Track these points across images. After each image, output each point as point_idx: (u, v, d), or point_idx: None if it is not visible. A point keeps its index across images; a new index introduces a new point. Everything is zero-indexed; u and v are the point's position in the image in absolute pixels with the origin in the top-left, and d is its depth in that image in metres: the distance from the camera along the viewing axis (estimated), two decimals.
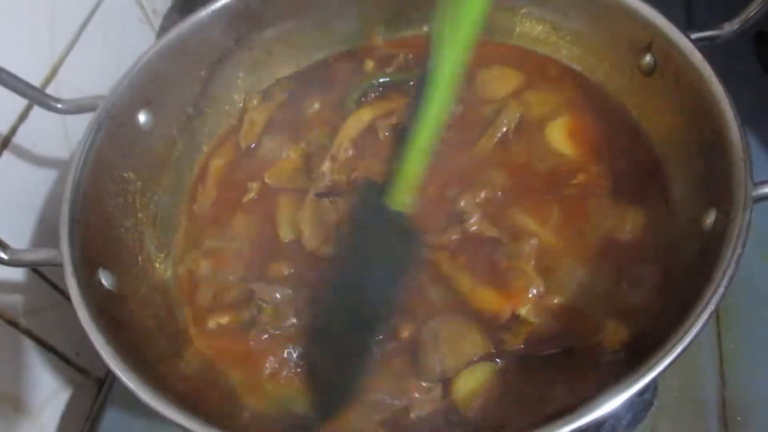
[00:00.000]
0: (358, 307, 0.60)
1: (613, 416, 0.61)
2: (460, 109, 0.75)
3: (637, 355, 0.48)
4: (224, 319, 0.65)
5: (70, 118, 0.73)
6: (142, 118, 0.70)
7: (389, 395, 0.58)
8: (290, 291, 0.64)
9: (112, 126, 0.67)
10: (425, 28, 0.83)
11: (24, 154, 0.71)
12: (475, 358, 0.58)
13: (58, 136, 0.77)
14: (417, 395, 0.58)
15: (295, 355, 0.62)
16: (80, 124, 0.67)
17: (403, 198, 0.57)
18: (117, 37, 0.88)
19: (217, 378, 0.63)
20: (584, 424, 0.43)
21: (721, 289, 0.47)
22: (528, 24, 0.79)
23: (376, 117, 0.75)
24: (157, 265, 0.70)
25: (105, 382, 0.76)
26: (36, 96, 0.66)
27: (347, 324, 0.61)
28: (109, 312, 0.58)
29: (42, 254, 0.60)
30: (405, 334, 0.60)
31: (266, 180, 0.74)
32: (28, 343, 0.71)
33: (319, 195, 0.71)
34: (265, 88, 0.82)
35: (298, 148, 0.75)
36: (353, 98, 0.78)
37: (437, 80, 0.49)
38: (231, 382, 0.62)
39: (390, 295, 0.60)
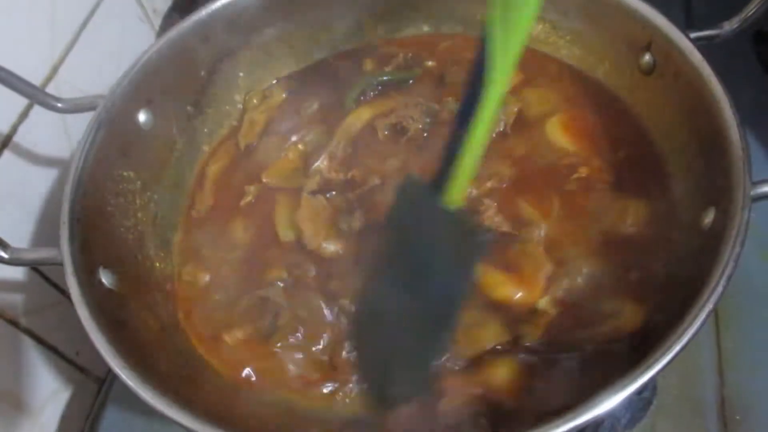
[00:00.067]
0: (415, 310, 0.58)
1: (612, 415, 0.61)
2: (458, 105, 0.75)
3: (651, 339, 0.49)
4: (241, 333, 0.64)
5: (70, 117, 0.73)
6: (142, 117, 0.71)
7: None
8: (309, 295, 0.64)
9: (113, 125, 0.67)
10: (425, 28, 0.83)
11: (24, 154, 0.72)
12: (488, 347, 0.59)
13: (59, 135, 0.77)
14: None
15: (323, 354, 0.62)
16: (80, 124, 0.67)
17: (459, 195, 0.56)
18: (117, 37, 0.88)
19: (218, 378, 0.63)
20: (583, 423, 0.43)
21: (720, 288, 0.47)
22: None
23: (375, 116, 0.75)
24: (158, 264, 0.70)
25: (105, 381, 0.76)
26: (36, 95, 0.66)
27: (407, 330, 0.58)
28: (110, 311, 0.58)
29: (42, 253, 0.60)
30: None
31: (264, 179, 0.74)
32: (28, 343, 0.71)
33: (313, 193, 0.71)
34: (265, 87, 0.82)
35: (297, 148, 0.75)
36: (352, 97, 0.78)
37: (493, 80, 0.49)
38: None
39: (455, 297, 0.57)
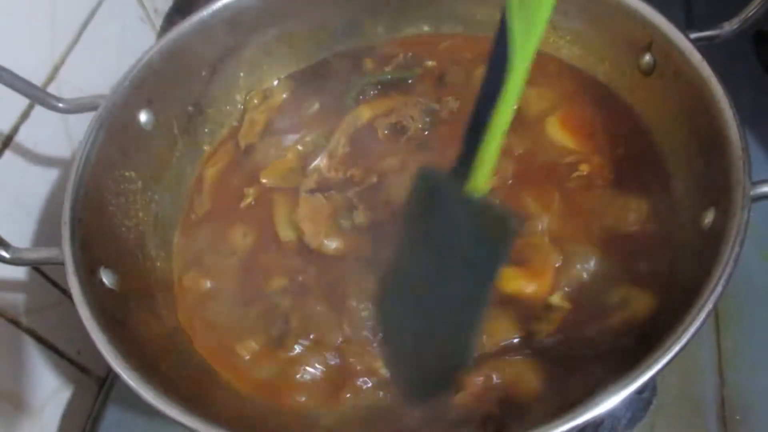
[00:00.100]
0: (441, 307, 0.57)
1: (612, 415, 0.61)
2: (457, 105, 0.75)
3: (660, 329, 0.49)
4: (254, 343, 0.63)
5: (71, 117, 0.73)
6: (143, 117, 0.71)
7: None
8: (316, 300, 0.64)
9: (113, 125, 0.67)
10: (426, 28, 0.83)
11: (25, 154, 0.72)
12: (502, 343, 0.59)
13: (60, 135, 0.77)
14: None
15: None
16: (81, 124, 0.68)
17: (483, 183, 0.55)
18: (118, 37, 0.88)
19: (219, 377, 0.63)
20: (583, 423, 0.43)
21: (719, 288, 0.47)
22: None
23: (375, 115, 0.75)
24: (158, 264, 0.70)
25: (106, 380, 0.76)
26: (37, 95, 0.66)
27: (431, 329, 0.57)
28: (111, 311, 0.58)
29: (44, 253, 0.60)
30: None
31: (262, 180, 0.74)
32: (29, 342, 0.71)
33: (312, 191, 0.71)
34: (265, 87, 0.82)
35: (296, 148, 0.75)
36: (352, 96, 0.78)
37: (514, 66, 0.48)
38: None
39: (484, 288, 0.56)
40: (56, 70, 0.76)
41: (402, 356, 0.57)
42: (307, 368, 0.61)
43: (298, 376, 0.61)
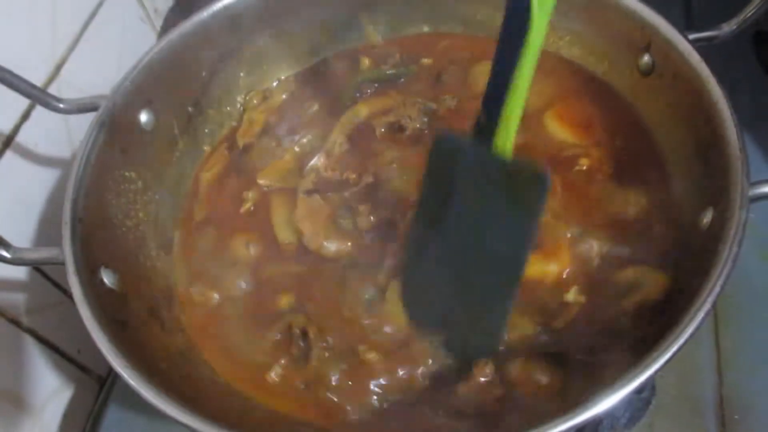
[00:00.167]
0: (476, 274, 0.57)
1: (611, 414, 0.61)
2: (455, 102, 0.75)
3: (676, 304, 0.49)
4: (281, 368, 0.62)
5: (72, 117, 0.73)
6: (143, 117, 0.71)
7: None
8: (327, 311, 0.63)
9: (114, 126, 0.67)
10: (425, 28, 0.83)
11: (26, 154, 0.72)
12: (517, 337, 0.59)
13: (60, 135, 0.77)
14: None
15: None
16: (82, 124, 0.68)
17: (508, 143, 0.53)
18: (118, 37, 0.88)
19: (219, 377, 0.63)
20: (581, 422, 0.44)
21: (718, 288, 0.48)
22: None
23: (372, 113, 0.76)
24: (159, 264, 0.70)
25: (107, 380, 0.76)
26: (38, 96, 0.66)
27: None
28: (111, 310, 0.58)
29: (44, 253, 0.60)
30: None
31: (259, 181, 0.73)
32: (29, 342, 0.71)
33: (309, 192, 0.71)
34: (265, 88, 0.82)
35: (293, 149, 0.75)
36: (348, 95, 0.78)
37: (533, 25, 0.47)
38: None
39: (520, 248, 0.55)
40: (57, 70, 0.76)
41: (446, 315, 0.58)
42: (332, 375, 0.60)
43: (329, 379, 0.60)
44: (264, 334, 0.64)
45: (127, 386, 0.52)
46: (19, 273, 0.70)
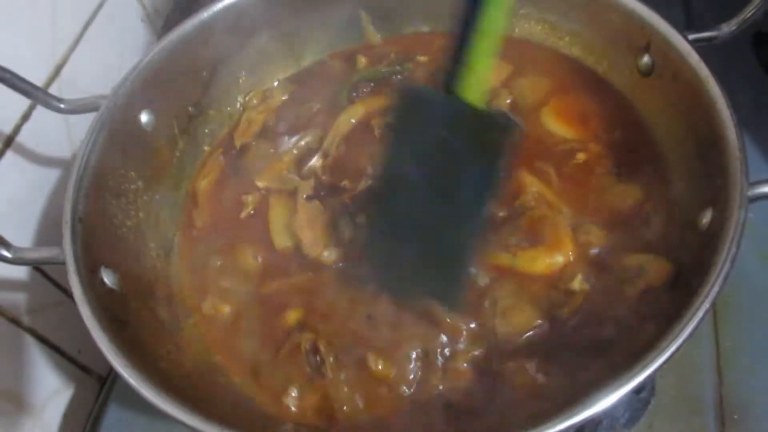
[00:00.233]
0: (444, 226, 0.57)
1: (611, 414, 0.61)
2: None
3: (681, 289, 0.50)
4: (298, 386, 0.61)
5: (72, 117, 0.73)
6: (143, 118, 0.71)
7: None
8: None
9: (114, 126, 0.67)
10: (424, 29, 0.83)
11: (27, 154, 0.72)
12: (529, 331, 0.59)
13: (61, 135, 0.77)
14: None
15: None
16: (82, 124, 0.68)
17: (478, 90, 0.52)
18: (119, 38, 0.88)
19: (219, 377, 0.63)
20: (580, 421, 0.44)
21: (716, 287, 0.48)
22: (527, 25, 0.79)
23: (369, 113, 0.76)
24: (159, 264, 0.70)
25: (107, 379, 0.76)
26: (39, 96, 0.66)
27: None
28: (111, 310, 0.58)
29: (45, 252, 0.60)
30: None
31: (258, 183, 0.73)
32: (30, 341, 0.71)
33: (309, 198, 0.70)
34: (265, 88, 0.82)
35: (291, 152, 0.75)
36: (344, 95, 0.78)
37: None
38: None
39: (485, 192, 0.56)
40: (57, 70, 0.76)
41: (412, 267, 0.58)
42: (345, 384, 0.60)
43: (341, 387, 0.60)
44: (278, 356, 0.63)
45: (127, 386, 0.52)
46: (20, 273, 0.70)
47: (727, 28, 0.64)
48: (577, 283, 0.60)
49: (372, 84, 0.79)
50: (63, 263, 0.58)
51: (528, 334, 0.59)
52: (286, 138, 0.76)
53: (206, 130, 0.79)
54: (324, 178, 0.72)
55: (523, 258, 0.62)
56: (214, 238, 0.72)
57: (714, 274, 0.49)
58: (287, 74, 0.83)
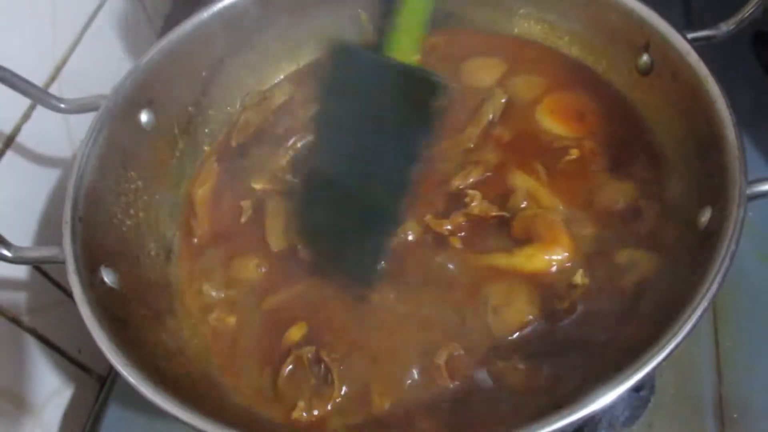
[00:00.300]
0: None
1: (610, 413, 0.61)
2: (446, 100, 0.75)
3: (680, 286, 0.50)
4: (307, 399, 0.59)
5: (72, 117, 0.73)
6: (143, 117, 0.71)
7: None
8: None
9: (114, 125, 0.67)
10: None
11: (27, 154, 0.72)
12: (523, 329, 0.59)
13: (61, 135, 0.77)
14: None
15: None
16: (83, 124, 0.68)
17: (408, 49, 0.53)
18: (119, 38, 0.89)
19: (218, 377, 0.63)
20: (579, 419, 0.44)
21: (715, 286, 0.48)
22: (526, 24, 0.79)
23: None
24: (159, 264, 0.70)
25: (107, 379, 0.76)
26: (39, 96, 0.67)
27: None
28: (112, 309, 0.58)
29: (45, 252, 0.60)
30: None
31: (254, 185, 0.73)
32: (30, 341, 0.71)
33: None
34: (265, 88, 0.82)
35: (288, 153, 0.75)
36: None
37: None
38: None
39: (413, 153, 0.56)
40: (57, 70, 0.76)
41: (329, 233, 0.58)
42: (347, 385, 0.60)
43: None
44: (284, 373, 0.62)
45: (127, 385, 0.52)
46: (20, 272, 0.70)
47: (726, 27, 0.64)
48: (579, 278, 0.60)
49: None
50: (63, 262, 0.58)
51: (523, 331, 0.59)
52: (284, 138, 0.76)
53: (206, 130, 0.79)
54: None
55: (520, 256, 0.62)
56: (214, 248, 0.71)
57: (713, 271, 0.49)
58: (287, 74, 0.83)
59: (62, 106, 0.68)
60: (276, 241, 0.69)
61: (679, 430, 0.62)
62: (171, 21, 0.99)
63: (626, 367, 0.45)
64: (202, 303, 0.68)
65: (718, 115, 0.57)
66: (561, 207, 0.65)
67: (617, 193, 0.66)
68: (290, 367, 0.61)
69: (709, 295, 0.47)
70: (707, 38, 0.64)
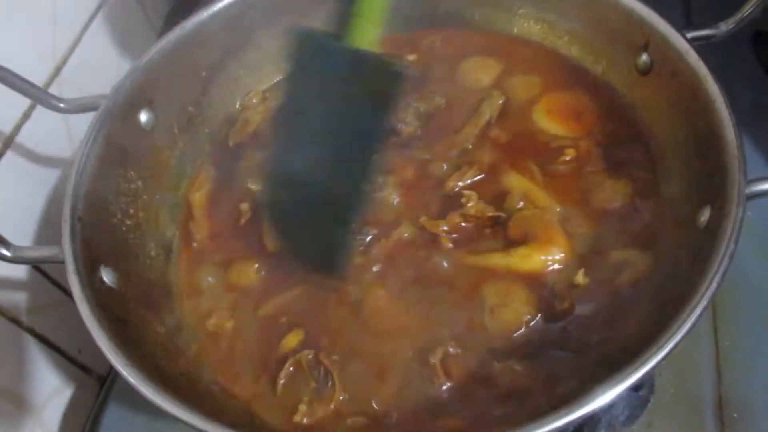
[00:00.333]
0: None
1: (609, 412, 0.61)
2: (443, 101, 0.75)
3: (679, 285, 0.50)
4: (308, 403, 0.59)
5: (72, 117, 0.73)
6: (143, 117, 0.71)
7: None
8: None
9: (114, 125, 0.67)
10: (417, 29, 0.83)
11: (27, 153, 0.72)
12: (520, 329, 0.59)
13: (61, 135, 0.77)
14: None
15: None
16: (82, 124, 0.68)
17: (368, 35, 0.53)
18: (119, 37, 0.89)
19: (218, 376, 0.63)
20: (578, 419, 0.44)
21: (714, 285, 0.48)
22: (526, 24, 0.79)
23: None
24: (159, 263, 0.70)
25: (107, 379, 0.76)
26: (39, 95, 0.67)
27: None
28: (111, 309, 0.58)
29: (44, 251, 0.60)
30: None
31: (251, 186, 0.72)
32: (30, 341, 0.71)
33: None
34: (265, 88, 0.82)
35: None
36: None
37: None
38: None
39: (376, 137, 0.56)
40: (57, 70, 0.76)
41: (298, 221, 0.58)
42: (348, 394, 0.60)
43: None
44: (283, 379, 0.61)
45: (127, 385, 0.52)
46: (20, 272, 0.70)
47: (726, 26, 0.64)
48: (581, 277, 0.60)
49: None
50: (62, 262, 0.58)
51: (520, 331, 0.59)
52: None
53: (206, 130, 0.79)
54: None
55: (516, 256, 0.62)
56: (213, 252, 0.71)
57: (712, 270, 0.49)
58: (287, 74, 0.83)
59: (62, 105, 0.68)
60: (272, 243, 0.68)
61: (679, 429, 0.62)
62: (171, 21, 0.99)
63: (625, 367, 0.45)
64: (200, 309, 0.68)
65: (718, 114, 0.57)
66: (557, 207, 0.65)
67: (614, 193, 0.66)
68: (290, 369, 0.61)
69: (709, 294, 0.47)
70: (707, 38, 0.64)
